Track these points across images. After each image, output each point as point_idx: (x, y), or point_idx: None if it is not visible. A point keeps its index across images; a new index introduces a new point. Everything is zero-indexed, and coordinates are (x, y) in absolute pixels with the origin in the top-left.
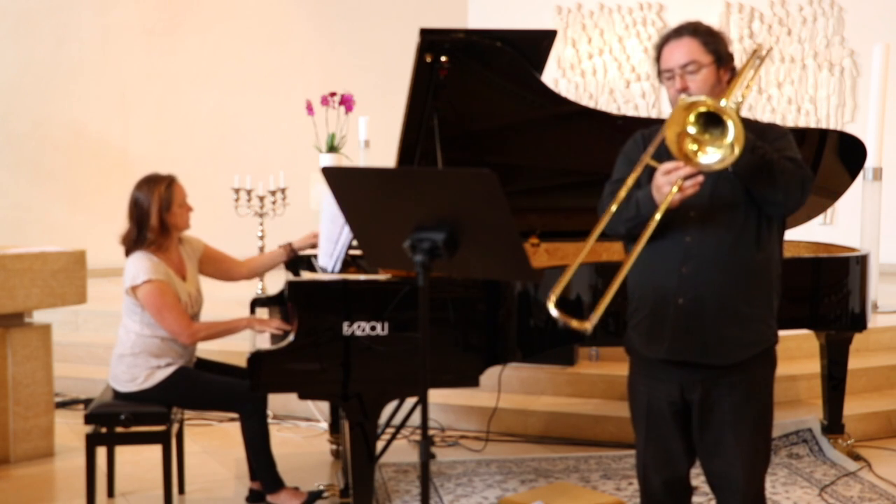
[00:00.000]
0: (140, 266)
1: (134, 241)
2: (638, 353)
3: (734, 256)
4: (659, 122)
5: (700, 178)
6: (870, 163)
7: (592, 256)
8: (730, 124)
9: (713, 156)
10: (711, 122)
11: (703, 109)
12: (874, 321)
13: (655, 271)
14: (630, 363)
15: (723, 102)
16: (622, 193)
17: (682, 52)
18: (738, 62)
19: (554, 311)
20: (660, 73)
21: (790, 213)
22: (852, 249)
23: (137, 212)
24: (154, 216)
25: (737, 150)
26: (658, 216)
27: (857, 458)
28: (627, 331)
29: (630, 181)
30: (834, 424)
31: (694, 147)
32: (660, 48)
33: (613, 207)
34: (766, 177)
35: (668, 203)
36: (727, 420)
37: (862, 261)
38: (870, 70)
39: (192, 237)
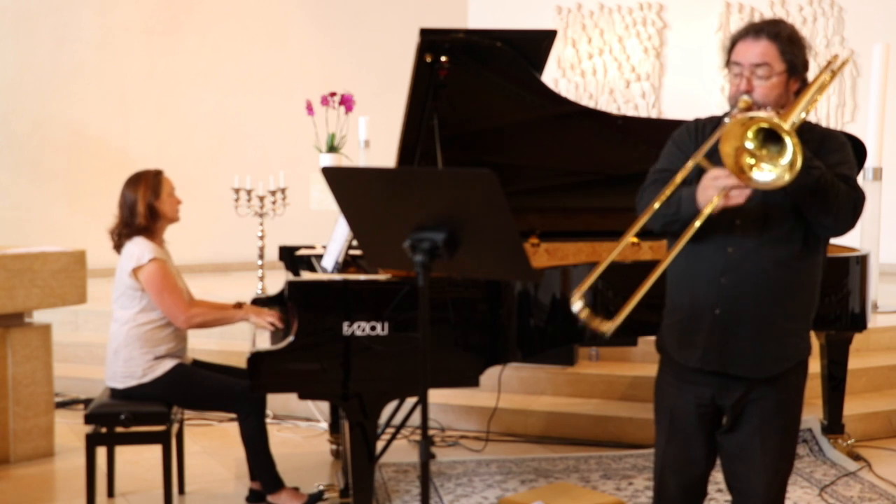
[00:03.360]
0: (144, 246)
1: (125, 224)
2: (669, 356)
3: (777, 271)
4: (671, 123)
5: (748, 191)
6: (870, 163)
7: (594, 258)
8: (789, 144)
9: (767, 174)
10: (771, 137)
11: (763, 126)
12: (874, 321)
13: (694, 278)
14: (660, 362)
15: (788, 124)
16: (668, 191)
17: (757, 52)
18: None
19: (578, 307)
20: (728, 63)
21: (838, 236)
22: (852, 249)
23: (126, 202)
24: (142, 202)
25: (788, 177)
26: (698, 223)
27: (857, 458)
28: (661, 328)
29: (678, 178)
30: (834, 424)
31: (751, 161)
32: (734, 41)
33: (657, 205)
34: (819, 199)
35: (712, 209)
36: (756, 425)
37: (862, 261)
38: (870, 70)
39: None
